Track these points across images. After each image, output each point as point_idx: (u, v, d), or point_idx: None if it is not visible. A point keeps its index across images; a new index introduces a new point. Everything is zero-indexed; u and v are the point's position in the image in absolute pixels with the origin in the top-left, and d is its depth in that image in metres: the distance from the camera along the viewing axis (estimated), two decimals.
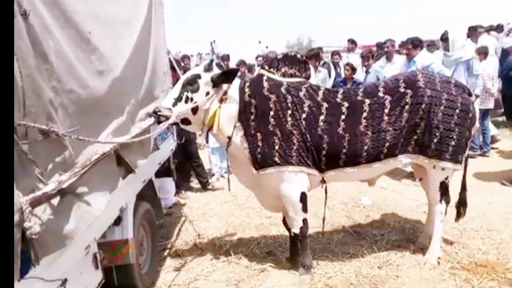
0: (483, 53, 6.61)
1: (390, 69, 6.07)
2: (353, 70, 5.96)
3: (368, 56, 6.38)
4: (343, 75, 6.50)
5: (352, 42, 9.16)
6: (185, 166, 5.73)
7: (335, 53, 8.50)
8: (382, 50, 8.60)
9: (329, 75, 7.27)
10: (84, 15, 2.15)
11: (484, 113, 6.56)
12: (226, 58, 10.48)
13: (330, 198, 5.01)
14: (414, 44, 5.63)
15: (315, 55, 7.01)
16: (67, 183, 1.84)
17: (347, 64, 6.08)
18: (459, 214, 3.65)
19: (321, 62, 7.70)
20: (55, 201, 1.82)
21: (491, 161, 5.83)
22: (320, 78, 6.88)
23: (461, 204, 3.65)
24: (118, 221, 2.77)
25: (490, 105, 6.73)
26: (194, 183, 6.03)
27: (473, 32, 7.75)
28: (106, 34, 2.35)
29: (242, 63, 7.70)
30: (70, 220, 1.87)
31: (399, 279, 3.23)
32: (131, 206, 2.91)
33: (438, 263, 3.39)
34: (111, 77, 2.34)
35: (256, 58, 9.41)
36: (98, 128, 2.23)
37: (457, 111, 3.19)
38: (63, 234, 1.82)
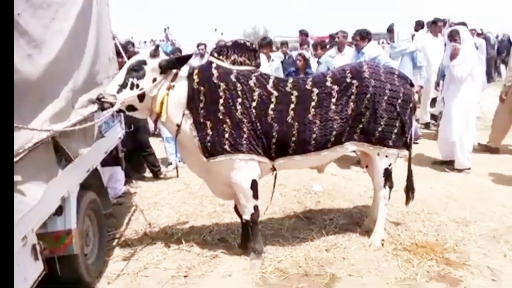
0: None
1: (340, 59, 6.17)
2: (306, 60, 6.04)
3: (318, 46, 6.47)
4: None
5: (303, 34, 9.20)
6: (136, 155, 5.57)
7: (283, 44, 8.54)
8: (334, 41, 8.76)
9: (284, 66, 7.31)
10: None
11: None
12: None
13: (283, 185, 5.13)
14: (362, 36, 5.75)
15: (268, 44, 7.03)
16: None
17: (300, 54, 6.15)
18: (408, 198, 3.81)
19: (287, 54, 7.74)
20: None
21: (434, 148, 6.14)
22: (273, 67, 6.91)
23: (409, 189, 3.81)
24: (60, 211, 2.66)
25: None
26: (147, 172, 5.90)
27: (433, 27, 7.86)
28: (38, 16, 2.22)
29: (203, 45, 7.63)
30: None
31: (345, 261, 3.35)
32: (74, 195, 2.80)
33: (382, 244, 3.55)
34: (44, 61, 2.22)
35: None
36: (31, 115, 2.11)
37: (399, 100, 3.32)
38: None
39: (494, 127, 6.36)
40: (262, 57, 6.73)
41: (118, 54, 3.90)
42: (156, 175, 5.69)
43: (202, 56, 8.25)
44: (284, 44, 8.46)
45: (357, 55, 5.84)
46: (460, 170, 5.46)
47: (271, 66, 6.83)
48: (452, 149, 5.51)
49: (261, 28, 34.63)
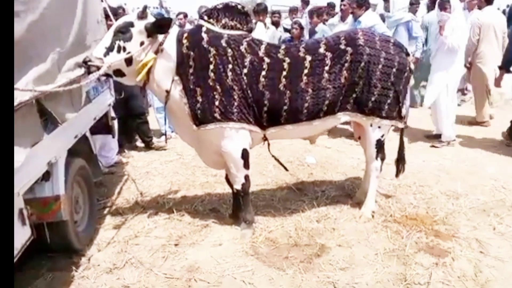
0: None
1: (342, 28, 5.99)
2: (302, 29, 5.91)
3: (314, 14, 6.30)
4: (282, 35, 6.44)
5: (304, 1, 8.97)
6: (129, 123, 5.49)
7: (275, 13, 8.29)
8: (333, 10, 8.54)
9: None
10: None
11: None
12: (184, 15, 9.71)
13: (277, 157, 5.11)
14: (358, 4, 5.53)
15: (263, 10, 6.84)
16: None
17: (295, 22, 6.01)
18: (399, 170, 3.81)
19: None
20: None
21: (427, 121, 6.12)
22: (269, 35, 6.76)
23: (400, 161, 3.80)
24: (47, 176, 2.62)
25: None
26: (139, 141, 5.84)
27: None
28: None
29: (183, 14, 7.41)
30: None
31: (336, 232, 3.36)
32: (62, 161, 2.75)
33: (373, 216, 3.55)
34: (29, 19, 2.12)
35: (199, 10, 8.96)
36: (16, 74, 2.02)
37: (394, 70, 3.24)
38: None
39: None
40: (259, 24, 6.60)
41: (107, 17, 3.76)
42: (148, 145, 5.63)
43: (182, 26, 8.00)
44: (275, 13, 8.18)
45: (354, 24, 5.69)
46: (448, 143, 5.45)
47: (267, 33, 6.68)
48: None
49: None
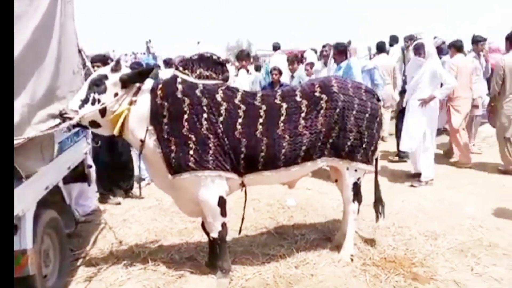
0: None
1: (326, 73, 6.11)
2: (280, 74, 6.08)
3: (294, 61, 6.52)
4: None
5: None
6: (112, 169, 5.43)
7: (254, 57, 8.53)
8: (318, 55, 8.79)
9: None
10: None
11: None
12: (168, 61, 9.90)
13: (257, 200, 5.09)
14: (338, 50, 5.73)
15: (246, 56, 7.05)
16: None
17: (274, 68, 6.18)
18: (378, 214, 3.79)
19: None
20: None
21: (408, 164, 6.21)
22: (251, 80, 6.94)
23: (378, 203, 3.81)
24: (14, 230, 2.55)
25: None
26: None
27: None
28: None
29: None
30: None
31: (314, 278, 3.30)
32: (30, 214, 2.69)
33: (352, 260, 3.52)
34: None
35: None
36: None
37: (367, 115, 3.34)
38: None
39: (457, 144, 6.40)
40: (242, 71, 6.77)
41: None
42: (126, 194, 5.56)
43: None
44: (255, 57, 8.45)
45: (335, 69, 5.81)
46: (427, 182, 5.51)
47: (249, 78, 6.85)
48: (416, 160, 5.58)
49: (245, 41, 34.99)
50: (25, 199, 2.61)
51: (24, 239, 2.61)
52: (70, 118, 2.89)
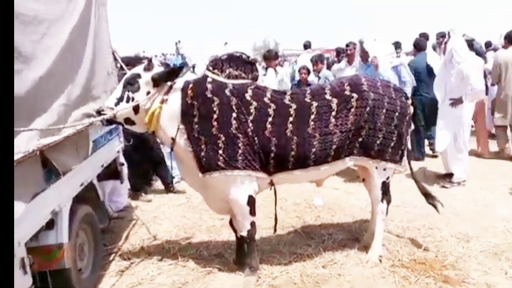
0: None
1: (350, 72, 6.05)
2: (309, 73, 6.07)
3: (317, 61, 6.47)
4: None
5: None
6: (145, 168, 5.60)
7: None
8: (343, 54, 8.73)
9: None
10: None
11: None
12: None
13: (284, 199, 5.09)
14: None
15: (273, 56, 7.06)
16: None
17: (303, 67, 6.17)
18: (436, 207, 3.75)
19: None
20: None
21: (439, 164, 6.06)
22: (278, 79, 6.94)
23: (429, 198, 3.79)
24: (51, 224, 2.68)
25: None
26: (155, 185, 5.92)
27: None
28: (27, 33, 2.27)
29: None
30: None
31: (341, 278, 3.29)
32: (67, 209, 2.81)
33: (380, 260, 3.47)
34: (33, 76, 2.26)
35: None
36: (21, 126, 2.13)
37: (397, 113, 3.30)
38: None
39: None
40: (270, 70, 6.78)
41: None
42: (167, 188, 5.70)
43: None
44: (282, 57, 8.46)
45: (364, 67, 5.77)
46: (459, 183, 5.37)
47: (277, 77, 6.85)
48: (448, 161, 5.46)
49: (272, 41, 34.94)
50: (62, 194, 2.74)
51: (61, 234, 2.73)
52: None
